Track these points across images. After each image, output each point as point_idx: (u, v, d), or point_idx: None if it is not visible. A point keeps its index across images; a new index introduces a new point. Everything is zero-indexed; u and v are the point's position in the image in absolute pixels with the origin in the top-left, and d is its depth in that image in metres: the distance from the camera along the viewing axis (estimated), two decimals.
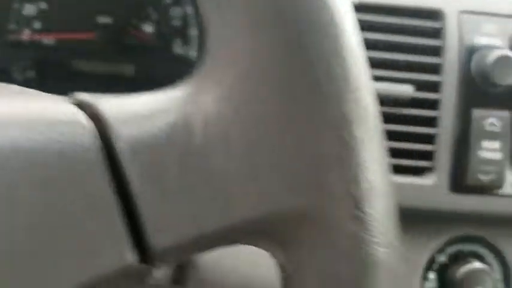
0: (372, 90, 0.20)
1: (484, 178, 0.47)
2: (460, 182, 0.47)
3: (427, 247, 0.51)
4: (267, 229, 0.19)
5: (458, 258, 0.51)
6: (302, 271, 0.20)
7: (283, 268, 0.20)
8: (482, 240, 0.52)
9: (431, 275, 0.51)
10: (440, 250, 0.51)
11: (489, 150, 0.47)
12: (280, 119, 0.19)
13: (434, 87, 0.48)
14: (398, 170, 0.48)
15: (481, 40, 0.47)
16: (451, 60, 0.47)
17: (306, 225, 0.19)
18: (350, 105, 0.19)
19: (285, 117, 0.19)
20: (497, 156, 0.47)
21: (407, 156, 0.48)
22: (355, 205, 0.19)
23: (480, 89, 0.47)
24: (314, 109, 0.19)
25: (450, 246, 0.52)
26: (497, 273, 0.52)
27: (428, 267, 0.51)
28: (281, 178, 0.19)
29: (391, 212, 0.22)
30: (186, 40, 0.53)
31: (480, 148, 0.47)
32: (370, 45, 0.48)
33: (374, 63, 0.48)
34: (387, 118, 0.48)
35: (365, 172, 0.20)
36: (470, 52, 0.47)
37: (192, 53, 0.53)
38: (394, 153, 0.48)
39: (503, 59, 0.45)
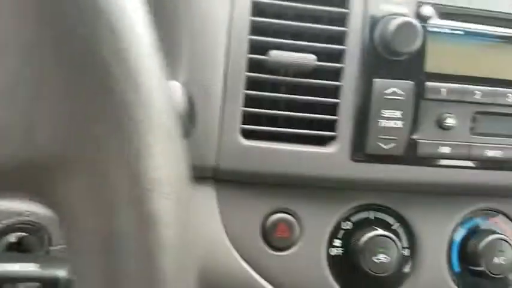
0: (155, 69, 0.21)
1: (384, 146, 0.47)
2: (361, 150, 0.48)
3: (333, 215, 0.51)
4: (33, 176, 0.20)
5: (364, 226, 0.52)
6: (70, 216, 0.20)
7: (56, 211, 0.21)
8: (389, 209, 0.53)
9: (337, 242, 0.52)
10: (346, 218, 0.52)
11: (390, 119, 0.47)
12: (57, 81, 0.19)
13: (337, 56, 0.47)
14: (301, 139, 0.48)
15: (386, 8, 0.46)
16: (355, 29, 0.46)
17: (74, 175, 0.20)
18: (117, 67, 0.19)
19: (61, 80, 0.19)
20: (398, 124, 0.47)
21: (311, 126, 0.48)
22: (127, 161, 0.20)
23: (383, 58, 0.46)
24: (86, 72, 0.19)
25: (356, 214, 0.52)
26: (404, 241, 0.53)
27: (334, 235, 0.52)
28: (52, 129, 0.19)
29: (173, 164, 0.22)
30: None
31: (381, 117, 0.47)
32: (272, 13, 0.47)
33: (276, 32, 0.47)
34: (289, 88, 0.48)
35: (140, 129, 0.20)
36: (374, 21, 0.46)
37: None
38: (297, 123, 0.48)
39: (404, 26, 0.45)
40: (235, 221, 0.49)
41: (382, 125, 0.47)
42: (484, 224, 0.54)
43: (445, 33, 0.47)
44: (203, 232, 0.48)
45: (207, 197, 0.48)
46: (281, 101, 0.47)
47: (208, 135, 0.45)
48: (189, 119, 0.39)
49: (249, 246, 0.49)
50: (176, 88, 0.36)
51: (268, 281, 0.50)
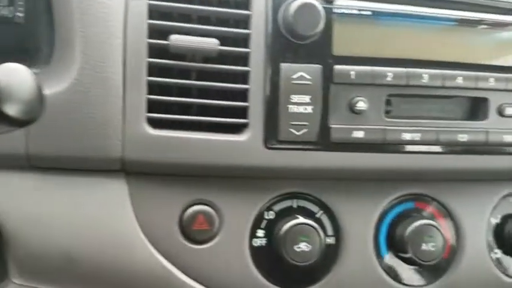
0: None
1: (296, 133, 0.46)
2: (274, 137, 0.46)
3: (255, 205, 0.50)
4: None
5: (287, 215, 0.50)
6: None
7: None
8: (312, 197, 0.52)
9: (260, 232, 0.50)
10: (269, 207, 0.51)
11: (299, 104, 0.46)
12: None
13: (243, 41, 0.46)
14: (214, 128, 0.46)
15: None
16: (258, 13, 0.45)
17: None
18: None
19: None
20: (308, 110, 0.46)
21: (225, 114, 0.47)
22: None
23: (288, 41, 0.45)
24: None
25: (279, 203, 0.51)
26: (328, 229, 0.52)
27: (257, 225, 0.50)
28: None
29: None
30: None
31: (290, 103, 0.46)
32: None
33: (182, 16, 0.46)
34: (199, 74, 0.46)
35: None
36: (277, 3, 0.45)
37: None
38: (210, 110, 0.46)
39: (304, 8, 0.44)
40: (150, 214, 0.47)
41: (292, 110, 0.46)
42: (411, 209, 0.53)
43: (352, 14, 0.46)
44: (116, 227, 0.47)
45: (118, 191, 0.47)
46: (193, 89, 0.46)
47: (111, 126, 0.44)
48: (38, 103, 0.37)
49: (166, 240, 0.48)
50: (22, 72, 0.34)
51: (188, 276, 0.48)
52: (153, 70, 0.45)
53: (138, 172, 0.47)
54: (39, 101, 0.33)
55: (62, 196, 0.46)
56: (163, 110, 0.45)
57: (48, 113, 0.39)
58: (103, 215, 0.47)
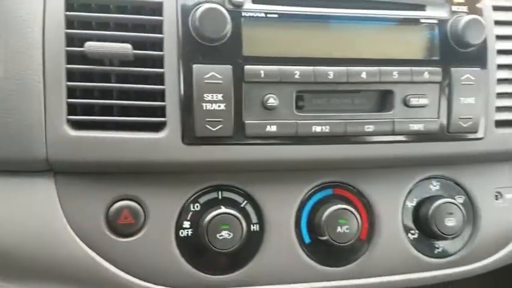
0: None
1: (212, 129, 0.49)
2: (191, 134, 0.49)
3: (180, 198, 0.52)
4: None
5: (212, 206, 0.53)
6: None
7: None
8: (236, 188, 0.54)
9: (186, 224, 0.53)
10: (195, 200, 0.53)
11: (213, 102, 0.48)
12: None
13: (157, 45, 0.48)
14: (136, 127, 0.49)
15: None
16: (170, 18, 0.48)
17: None
18: None
19: None
20: (221, 107, 0.48)
21: (143, 113, 0.49)
22: None
23: (199, 44, 0.48)
24: None
25: (205, 195, 0.53)
26: (253, 217, 0.55)
27: (183, 217, 0.53)
28: None
29: None
30: None
31: (204, 101, 0.48)
32: (86, 7, 0.48)
33: (99, 25, 0.48)
34: (119, 77, 0.49)
35: None
36: (187, 9, 0.48)
37: None
38: (129, 111, 0.49)
39: (208, 12, 0.46)
40: (77, 211, 0.49)
41: (207, 108, 0.48)
42: (329, 196, 0.56)
43: (260, 17, 0.49)
44: (45, 224, 0.49)
45: (46, 190, 0.49)
46: (114, 91, 0.48)
47: (34, 129, 0.46)
48: None
49: (94, 235, 0.50)
50: None
51: (117, 267, 0.51)
52: (74, 75, 0.47)
53: (65, 171, 0.49)
54: None
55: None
56: (86, 112, 0.48)
57: None
58: (33, 213, 0.49)
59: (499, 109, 0.56)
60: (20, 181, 0.48)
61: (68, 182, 0.49)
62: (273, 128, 0.50)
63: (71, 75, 0.47)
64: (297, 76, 0.49)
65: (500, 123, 0.57)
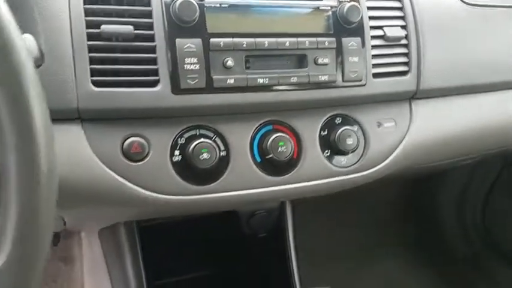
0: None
1: (191, 82, 0.64)
2: (177, 87, 0.63)
3: (171, 134, 0.65)
4: None
5: (193, 139, 0.66)
6: None
7: None
8: (209, 127, 0.68)
9: (176, 152, 0.66)
10: (181, 135, 0.66)
11: (191, 64, 0.63)
12: None
13: (149, 27, 0.62)
14: (137, 84, 0.62)
15: None
16: (157, 8, 0.62)
17: None
18: None
19: None
20: (197, 67, 0.63)
21: (143, 75, 0.62)
22: None
23: (179, 25, 0.62)
24: None
25: (187, 132, 0.67)
26: (221, 147, 0.69)
27: (174, 147, 0.66)
28: None
29: None
30: None
31: (185, 63, 0.62)
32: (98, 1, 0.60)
33: (107, 13, 0.61)
34: (122, 50, 0.62)
35: None
36: (169, 2, 0.61)
37: None
38: (133, 73, 0.62)
39: (184, 4, 0.60)
40: (100, 145, 0.60)
41: (186, 68, 0.63)
42: (271, 129, 0.71)
43: (216, 7, 0.64)
44: (79, 160, 0.60)
45: (76, 132, 0.60)
46: (120, 60, 0.61)
47: (68, 87, 0.58)
48: (40, 61, 0.52)
49: (113, 161, 0.61)
50: (30, 40, 0.49)
51: (133, 183, 0.62)
52: (92, 48, 0.60)
53: (90, 118, 0.61)
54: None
55: None
56: (103, 75, 0.60)
57: None
58: (68, 150, 0.61)
59: (374, 66, 0.75)
60: (57, 128, 0.60)
61: (92, 126, 0.61)
62: (231, 81, 0.66)
63: (91, 49, 0.60)
64: (244, 45, 0.65)
65: (375, 75, 0.75)
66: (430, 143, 0.83)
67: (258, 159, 0.70)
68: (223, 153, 0.68)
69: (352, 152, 0.75)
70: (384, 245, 1.56)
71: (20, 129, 0.32)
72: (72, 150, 0.60)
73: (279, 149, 0.69)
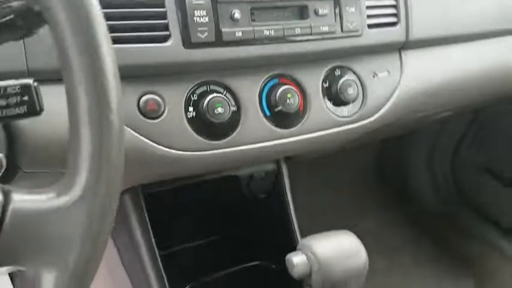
0: None
1: (201, 36, 0.64)
2: (189, 40, 0.63)
3: (184, 91, 0.65)
4: None
5: (205, 95, 0.67)
6: None
7: None
8: (219, 82, 0.69)
9: (190, 108, 0.66)
10: (193, 92, 0.67)
11: (201, 17, 0.63)
12: None
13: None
14: (152, 40, 0.61)
15: None
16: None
17: None
18: None
19: None
20: (206, 20, 0.63)
21: (155, 30, 0.62)
22: None
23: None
24: None
25: (198, 88, 0.67)
26: (232, 102, 0.70)
27: (188, 103, 0.66)
28: None
29: None
30: None
31: (194, 16, 0.62)
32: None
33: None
34: (131, 5, 0.61)
35: None
36: None
37: None
38: (140, 29, 0.61)
39: None
40: None
41: (196, 21, 0.63)
42: (276, 84, 0.72)
43: None
44: None
45: None
46: (129, 15, 0.60)
47: None
48: None
49: (131, 118, 0.60)
50: None
51: (148, 139, 0.62)
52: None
53: None
54: None
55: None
56: (112, 31, 0.59)
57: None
58: None
59: (368, 17, 0.79)
60: None
61: None
62: (239, 34, 0.66)
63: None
64: None
65: (370, 26, 0.78)
66: (421, 91, 0.87)
67: (268, 113, 0.71)
68: (234, 109, 0.69)
69: (352, 102, 0.78)
70: (365, 206, 1.63)
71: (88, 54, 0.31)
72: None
73: (288, 101, 0.70)
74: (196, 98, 0.66)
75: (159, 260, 0.80)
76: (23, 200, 0.32)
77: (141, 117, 0.62)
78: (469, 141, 1.59)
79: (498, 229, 1.39)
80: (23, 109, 0.37)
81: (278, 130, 0.72)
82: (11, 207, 0.31)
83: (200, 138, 0.66)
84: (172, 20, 0.61)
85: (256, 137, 0.70)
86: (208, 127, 0.66)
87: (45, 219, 0.32)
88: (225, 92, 0.68)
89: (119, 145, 0.34)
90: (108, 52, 0.33)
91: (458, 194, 1.62)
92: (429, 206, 1.67)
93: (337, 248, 0.65)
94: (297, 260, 0.64)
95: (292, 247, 0.87)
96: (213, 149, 0.67)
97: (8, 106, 0.36)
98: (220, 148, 0.68)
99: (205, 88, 0.67)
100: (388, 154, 1.69)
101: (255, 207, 1.02)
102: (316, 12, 0.70)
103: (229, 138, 0.68)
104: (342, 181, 1.58)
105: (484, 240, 1.43)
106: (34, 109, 0.36)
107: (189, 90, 0.66)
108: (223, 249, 1.02)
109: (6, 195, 0.31)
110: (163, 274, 0.80)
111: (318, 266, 0.64)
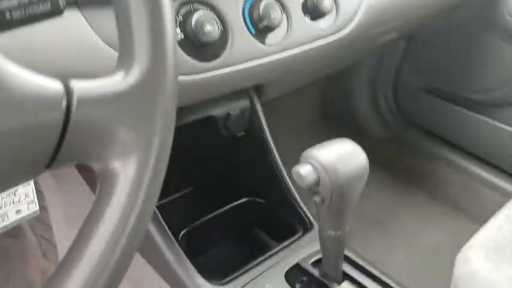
0: None
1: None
2: None
3: None
4: None
5: (188, 15, 0.63)
6: None
7: None
8: (202, 1, 0.65)
9: (178, 30, 0.61)
10: (177, 13, 0.62)
11: None
12: None
13: None
14: None
15: None
16: None
17: None
18: None
19: None
20: None
21: None
22: None
23: None
24: None
25: (182, 8, 0.62)
26: (218, 22, 0.65)
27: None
28: None
29: None
30: None
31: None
32: None
33: None
34: None
35: None
36: None
37: None
38: None
39: None
40: (105, 31, 0.55)
41: None
42: None
43: None
44: (86, 46, 0.54)
45: (78, 20, 0.53)
46: None
47: None
48: None
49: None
50: None
51: None
52: None
53: (85, 2, 0.54)
54: None
55: None
56: None
57: None
58: (73, 40, 0.53)
59: None
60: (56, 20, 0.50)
61: (89, 11, 0.54)
62: None
63: None
64: None
65: None
66: (382, 4, 0.89)
67: (253, 31, 0.69)
68: (221, 29, 0.66)
69: (328, 14, 0.77)
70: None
71: None
72: (77, 38, 0.52)
73: (271, 15, 0.68)
74: (181, 20, 0.62)
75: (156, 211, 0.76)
76: (87, 87, 0.28)
77: None
78: (407, 65, 1.67)
79: (444, 144, 1.49)
80: (46, 6, 0.32)
81: (265, 47, 0.71)
82: (75, 96, 0.27)
83: (193, 60, 0.62)
84: None
85: (246, 55, 0.69)
86: (198, 49, 0.63)
87: (117, 104, 0.28)
88: (208, 9, 0.64)
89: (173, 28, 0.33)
90: None
91: (404, 118, 1.71)
92: (378, 135, 1.75)
93: (338, 152, 0.66)
94: (304, 170, 0.64)
95: (277, 179, 0.88)
96: (206, 71, 0.64)
97: (30, 2, 0.31)
98: (213, 70, 0.64)
99: (189, 8, 0.62)
100: (334, 92, 1.74)
101: (235, 146, 1.00)
102: None
103: (219, 59, 0.65)
104: (288, 123, 1.59)
105: (433, 157, 1.53)
106: (57, 7, 0.32)
107: (174, 11, 0.61)
108: (211, 193, 1.00)
109: (67, 85, 0.28)
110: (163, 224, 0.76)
111: (324, 172, 0.65)
